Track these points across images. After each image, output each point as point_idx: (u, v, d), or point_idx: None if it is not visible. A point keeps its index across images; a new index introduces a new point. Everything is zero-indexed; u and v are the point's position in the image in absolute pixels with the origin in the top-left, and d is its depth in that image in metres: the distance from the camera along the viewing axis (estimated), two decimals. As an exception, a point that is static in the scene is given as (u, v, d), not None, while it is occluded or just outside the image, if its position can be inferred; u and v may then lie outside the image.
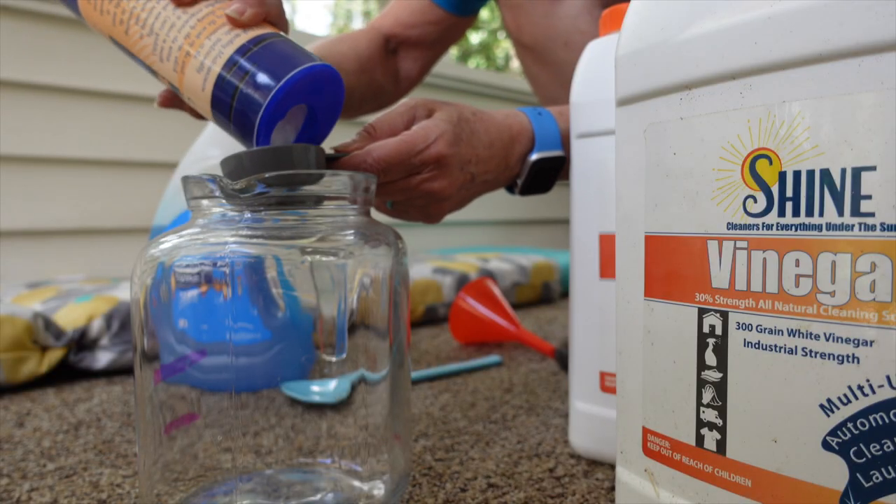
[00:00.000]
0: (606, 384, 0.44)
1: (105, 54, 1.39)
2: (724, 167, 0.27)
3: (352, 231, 0.34)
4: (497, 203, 2.10)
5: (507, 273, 1.22)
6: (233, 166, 0.35)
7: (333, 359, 0.33)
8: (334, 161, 0.42)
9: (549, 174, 0.53)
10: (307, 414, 0.36)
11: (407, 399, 0.38)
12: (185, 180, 0.34)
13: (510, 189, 0.54)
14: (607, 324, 0.44)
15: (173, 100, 0.45)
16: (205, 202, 0.34)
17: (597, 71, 0.44)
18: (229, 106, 0.36)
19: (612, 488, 0.40)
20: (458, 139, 0.46)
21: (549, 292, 1.31)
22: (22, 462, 0.47)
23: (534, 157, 0.51)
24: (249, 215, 0.33)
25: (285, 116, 0.37)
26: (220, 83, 0.36)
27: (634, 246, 0.31)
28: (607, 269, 0.43)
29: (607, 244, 0.43)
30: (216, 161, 0.69)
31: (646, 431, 0.31)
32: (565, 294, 1.35)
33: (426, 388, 0.66)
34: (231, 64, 0.36)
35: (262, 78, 0.35)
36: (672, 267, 0.29)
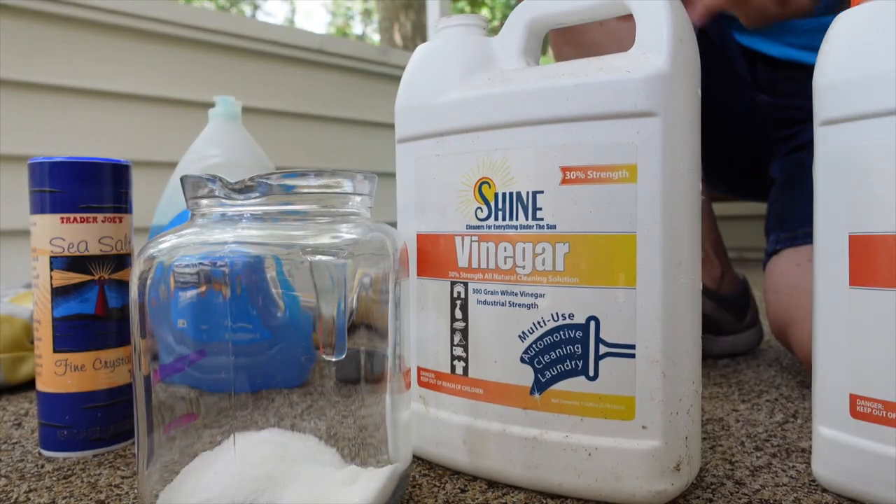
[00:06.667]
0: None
1: (105, 54, 1.39)
2: (463, 188, 0.41)
3: (352, 231, 0.34)
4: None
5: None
6: None
7: (333, 359, 0.33)
8: None
9: None
10: (306, 414, 0.35)
11: (407, 399, 0.38)
12: (184, 179, 0.34)
13: None
14: None
15: None
16: (204, 202, 0.34)
17: (852, 45, 0.38)
18: None
19: (613, 489, 0.40)
20: None
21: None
22: (20, 462, 0.46)
23: None
24: (249, 215, 0.33)
25: None
26: None
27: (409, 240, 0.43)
28: None
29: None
30: (215, 161, 0.69)
31: (419, 370, 0.44)
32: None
33: (426, 388, 0.65)
34: None
35: None
36: (434, 254, 0.42)
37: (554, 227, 0.37)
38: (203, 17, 1.57)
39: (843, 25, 0.39)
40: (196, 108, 1.49)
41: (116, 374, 0.48)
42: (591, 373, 0.37)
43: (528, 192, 0.38)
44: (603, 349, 0.37)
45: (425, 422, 0.44)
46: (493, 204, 0.39)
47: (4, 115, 1.24)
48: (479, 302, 0.40)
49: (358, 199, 0.35)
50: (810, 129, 0.40)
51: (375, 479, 0.33)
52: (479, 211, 0.40)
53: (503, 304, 0.39)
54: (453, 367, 0.42)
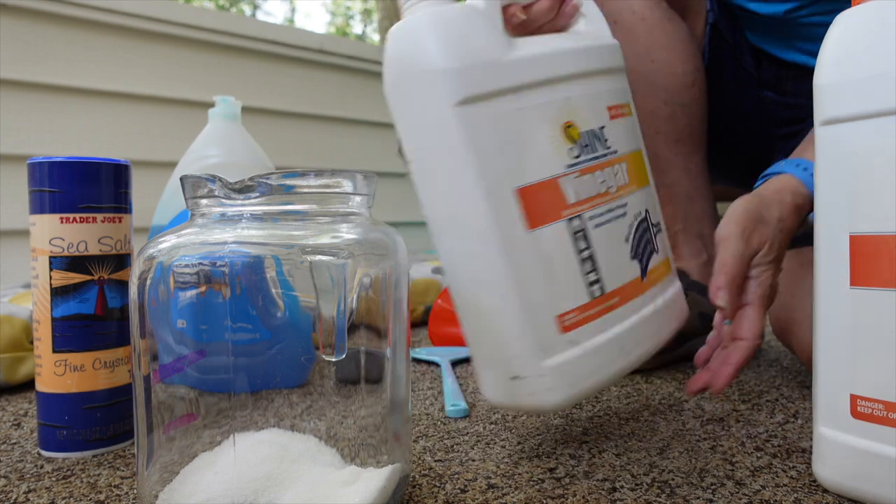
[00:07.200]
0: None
1: (105, 54, 1.39)
2: (553, 134, 0.43)
3: (352, 231, 0.34)
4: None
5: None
6: None
7: (333, 359, 0.33)
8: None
9: None
10: (306, 414, 0.35)
11: (407, 399, 0.38)
12: (184, 179, 0.34)
13: None
14: None
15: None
16: (204, 201, 0.34)
17: (853, 45, 0.38)
18: None
19: (614, 489, 0.40)
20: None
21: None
22: (20, 463, 0.46)
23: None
24: (249, 215, 0.33)
25: None
26: None
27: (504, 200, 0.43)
28: None
29: None
30: (215, 160, 0.69)
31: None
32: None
33: (426, 388, 0.65)
34: None
35: None
36: (542, 201, 0.42)
37: (615, 151, 0.46)
38: (203, 17, 1.57)
39: (843, 25, 0.39)
40: (196, 108, 1.49)
41: (116, 374, 0.48)
42: (658, 249, 0.49)
43: (598, 128, 0.46)
44: (654, 230, 0.49)
45: (582, 358, 0.43)
46: (580, 142, 0.45)
47: (4, 115, 1.24)
48: (595, 226, 0.45)
49: (358, 198, 0.35)
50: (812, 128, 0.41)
51: (375, 479, 0.33)
52: (571, 150, 0.44)
53: (610, 221, 0.45)
54: (592, 293, 0.44)
